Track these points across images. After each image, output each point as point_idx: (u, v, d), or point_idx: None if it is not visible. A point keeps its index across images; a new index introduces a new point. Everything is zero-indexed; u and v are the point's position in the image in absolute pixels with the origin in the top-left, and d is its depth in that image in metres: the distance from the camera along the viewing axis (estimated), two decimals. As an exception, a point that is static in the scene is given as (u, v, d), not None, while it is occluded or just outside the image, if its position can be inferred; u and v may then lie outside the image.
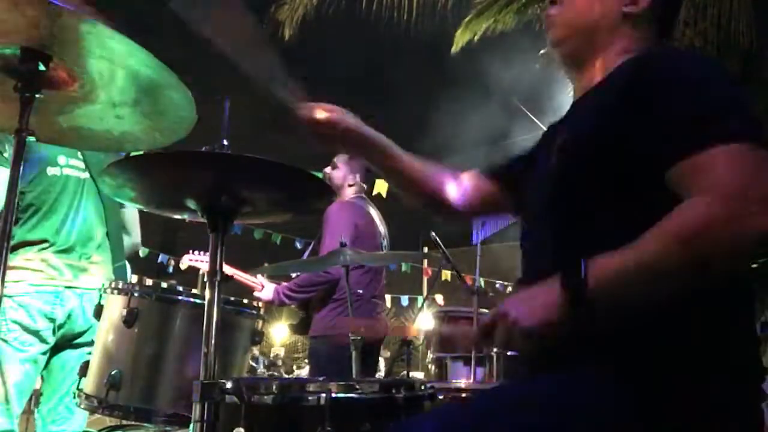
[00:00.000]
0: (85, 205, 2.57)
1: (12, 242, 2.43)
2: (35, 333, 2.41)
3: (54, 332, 2.46)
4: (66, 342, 2.49)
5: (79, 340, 2.49)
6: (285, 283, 3.48)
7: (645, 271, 0.96)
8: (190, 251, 3.97)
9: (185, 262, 3.94)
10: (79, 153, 2.60)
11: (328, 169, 3.60)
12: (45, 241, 2.48)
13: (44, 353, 2.45)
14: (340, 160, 3.57)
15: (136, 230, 2.87)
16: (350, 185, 3.55)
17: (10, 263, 2.40)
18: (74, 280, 2.49)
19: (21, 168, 1.38)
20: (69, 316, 2.46)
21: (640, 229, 0.97)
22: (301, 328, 3.54)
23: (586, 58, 1.32)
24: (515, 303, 1.04)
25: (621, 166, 1.08)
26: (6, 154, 2.41)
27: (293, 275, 3.52)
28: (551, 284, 1.01)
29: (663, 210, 0.97)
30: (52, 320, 2.44)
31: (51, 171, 2.52)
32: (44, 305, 2.43)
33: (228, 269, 3.62)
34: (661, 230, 0.95)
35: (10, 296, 2.39)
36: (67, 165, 2.56)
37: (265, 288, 3.48)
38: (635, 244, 0.96)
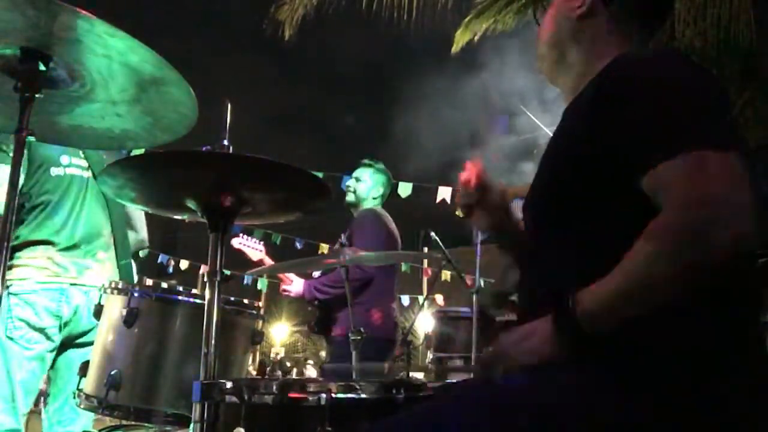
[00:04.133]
0: (89, 203, 2.60)
1: (16, 242, 2.45)
2: (41, 330, 2.42)
3: (60, 330, 2.47)
4: (71, 341, 2.50)
5: (83, 339, 2.50)
6: (316, 278, 3.54)
7: (629, 297, 0.99)
8: (241, 235, 3.97)
9: (235, 244, 3.91)
10: (81, 152, 2.63)
11: (351, 182, 3.69)
12: (48, 241, 2.50)
13: (51, 351, 2.47)
14: (365, 172, 3.68)
15: (141, 226, 2.89)
16: (374, 198, 3.67)
17: (16, 262, 2.43)
18: (79, 277, 2.51)
19: (21, 168, 1.38)
20: (75, 313, 2.47)
21: (618, 234, 1.01)
22: (319, 327, 3.56)
23: (565, 69, 1.35)
24: (513, 343, 1.10)
25: (597, 173, 1.10)
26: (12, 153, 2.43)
27: (315, 274, 3.61)
28: (543, 325, 1.06)
29: (640, 214, 1.00)
30: (58, 317, 2.46)
31: (54, 171, 2.55)
32: (50, 302, 2.44)
33: (265, 258, 3.70)
34: (639, 249, 0.98)
35: (16, 294, 2.41)
36: (70, 164, 2.59)
37: (294, 282, 3.54)
38: (616, 271, 1.00)
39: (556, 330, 1.04)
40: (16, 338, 2.37)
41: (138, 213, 2.85)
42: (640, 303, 0.99)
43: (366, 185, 3.67)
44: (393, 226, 3.64)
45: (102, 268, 2.59)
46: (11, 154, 2.36)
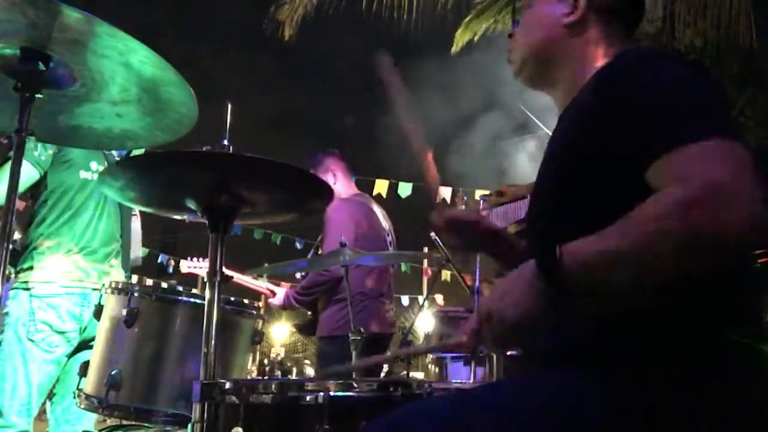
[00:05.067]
0: (107, 211, 2.64)
1: (38, 241, 2.48)
2: (63, 334, 2.43)
3: (79, 334, 2.48)
4: (85, 343, 2.50)
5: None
6: (294, 287, 3.51)
7: (620, 253, 0.94)
8: (189, 258, 4.02)
9: (184, 269, 3.99)
10: (106, 161, 2.67)
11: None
12: (70, 242, 2.52)
13: (67, 355, 2.48)
14: (311, 165, 3.49)
15: (138, 247, 2.94)
16: (335, 183, 3.45)
17: (38, 264, 2.44)
18: (99, 283, 2.52)
19: (21, 168, 1.38)
20: (93, 318, 2.48)
21: None
22: (307, 328, 3.55)
23: (553, 76, 1.34)
24: (494, 301, 1.04)
25: (603, 172, 1.09)
26: (36, 152, 2.47)
27: (297, 276, 3.54)
28: (524, 271, 1.01)
29: None
30: (80, 321, 2.47)
31: (83, 175, 2.59)
32: (73, 306, 2.46)
33: (237, 276, 3.64)
34: (638, 215, 0.94)
35: (39, 296, 2.41)
36: (98, 171, 2.62)
37: (276, 294, 3.54)
38: (611, 228, 0.95)
39: (538, 277, 0.98)
40: (38, 341, 2.38)
41: (136, 232, 2.90)
42: (631, 271, 0.95)
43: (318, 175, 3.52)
44: (370, 216, 3.44)
45: (117, 274, 2.64)
46: (35, 153, 2.43)
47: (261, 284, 3.67)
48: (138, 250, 2.95)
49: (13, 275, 2.47)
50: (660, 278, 0.95)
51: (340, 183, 3.50)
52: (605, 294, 0.97)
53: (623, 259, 0.94)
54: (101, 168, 2.63)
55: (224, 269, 3.51)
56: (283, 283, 3.68)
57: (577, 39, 1.30)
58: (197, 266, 4.00)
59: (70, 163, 2.57)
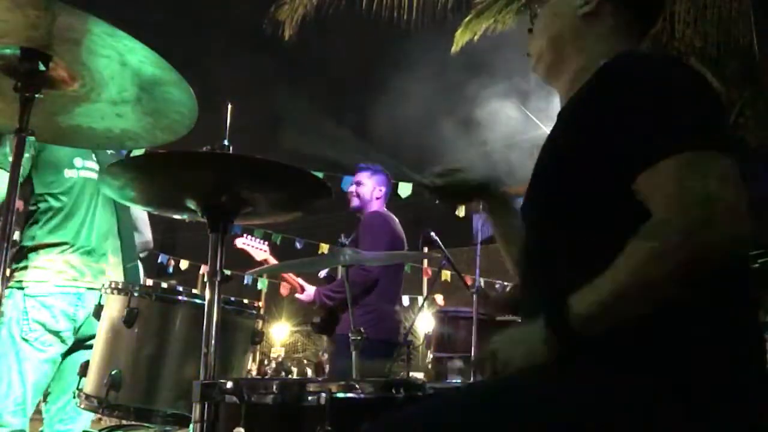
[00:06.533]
0: (101, 206, 2.61)
1: (32, 243, 2.46)
2: (56, 333, 2.42)
3: (74, 333, 2.48)
4: (80, 342, 2.50)
5: (92, 341, 2.50)
6: (326, 286, 3.63)
7: (622, 297, 1.00)
8: (245, 235, 4.09)
9: (239, 244, 4.05)
10: (93, 155, 2.64)
11: (353, 188, 3.75)
12: (66, 243, 2.50)
13: (62, 354, 2.47)
14: (364, 175, 3.74)
15: (146, 228, 2.91)
16: (377, 198, 3.73)
17: (32, 263, 2.43)
18: (94, 282, 2.51)
19: (20, 168, 1.38)
20: (88, 317, 2.47)
21: (610, 243, 1.01)
22: (324, 327, 3.60)
23: (561, 70, 1.34)
24: (506, 344, 1.11)
25: (597, 173, 1.10)
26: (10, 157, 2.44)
27: (321, 274, 3.70)
28: (536, 328, 1.06)
29: (632, 221, 1.00)
30: (74, 321, 2.46)
31: (68, 174, 2.56)
32: (68, 306, 2.45)
33: (269, 258, 3.72)
34: (629, 255, 0.99)
35: (33, 296, 2.41)
36: (84, 167, 2.59)
37: (306, 290, 3.67)
38: (608, 272, 1.00)
39: (548, 334, 1.04)
40: (31, 340, 2.37)
41: (142, 215, 2.87)
42: (634, 303, 1.00)
43: (367, 188, 3.73)
44: (399, 228, 3.68)
45: (114, 271, 2.61)
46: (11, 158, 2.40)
47: (293, 278, 3.80)
48: (148, 233, 2.91)
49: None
50: (657, 301, 1.00)
51: (383, 199, 3.77)
52: (613, 326, 1.02)
53: (625, 297, 1.00)
54: (87, 163, 2.59)
55: (270, 257, 3.75)
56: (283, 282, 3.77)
57: (589, 30, 1.29)
58: (252, 245, 4.08)
59: (53, 164, 2.53)
